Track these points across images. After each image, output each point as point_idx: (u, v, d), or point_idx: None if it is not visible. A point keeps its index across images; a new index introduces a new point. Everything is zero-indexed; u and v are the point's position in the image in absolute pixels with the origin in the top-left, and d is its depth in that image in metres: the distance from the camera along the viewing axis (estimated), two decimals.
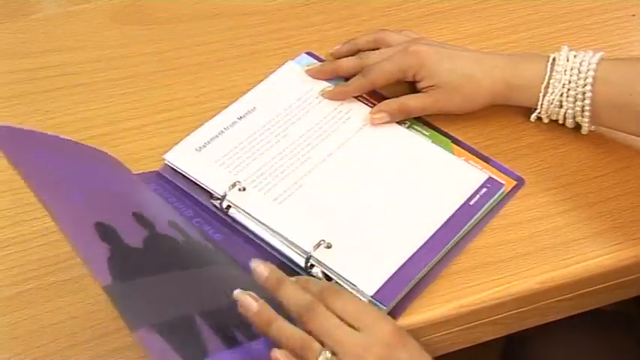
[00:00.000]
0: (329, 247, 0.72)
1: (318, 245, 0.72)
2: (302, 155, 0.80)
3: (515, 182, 0.80)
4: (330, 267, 0.72)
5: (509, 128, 0.85)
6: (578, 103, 0.80)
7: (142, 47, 0.93)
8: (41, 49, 0.92)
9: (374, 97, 0.86)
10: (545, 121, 0.83)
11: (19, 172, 0.60)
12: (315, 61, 0.90)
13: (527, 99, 0.82)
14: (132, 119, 0.85)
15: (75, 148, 0.71)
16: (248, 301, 0.64)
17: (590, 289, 0.77)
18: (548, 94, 0.81)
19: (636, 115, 0.78)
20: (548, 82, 0.80)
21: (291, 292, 0.64)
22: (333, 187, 0.78)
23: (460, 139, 0.83)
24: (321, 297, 0.64)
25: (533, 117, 0.83)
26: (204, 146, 0.80)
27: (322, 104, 0.85)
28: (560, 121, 0.83)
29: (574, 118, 0.81)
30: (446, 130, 0.84)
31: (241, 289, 0.64)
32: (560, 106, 0.81)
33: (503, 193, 0.78)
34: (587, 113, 0.80)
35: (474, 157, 0.81)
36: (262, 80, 0.88)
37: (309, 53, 0.91)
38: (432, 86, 0.82)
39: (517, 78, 0.81)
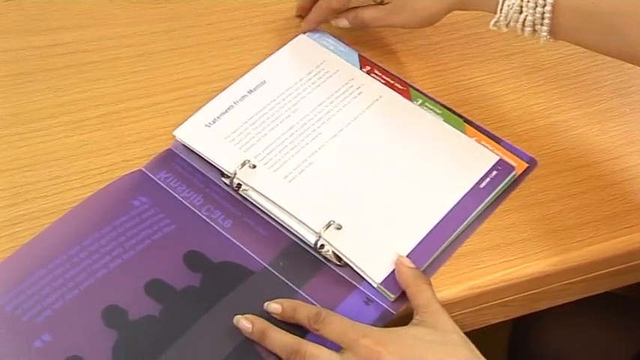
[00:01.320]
0: (339, 228, 0.72)
1: (328, 226, 0.72)
2: (312, 131, 0.80)
3: (527, 164, 0.79)
4: (340, 249, 0.71)
5: (522, 110, 0.85)
6: (539, 9, 0.75)
7: (153, 25, 0.92)
8: (53, 26, 0.92)
9: (386, 74, 0.85)
10: (504, 30, 0.78)
11: None
12: (327, 34, 0.89)
13: (486, 3, 0.78)
14: (143, 97, 0.85)
15: (49, 238, 0.72)
16: (243, 324, 0.67)
17: (602, 272, 0.77)
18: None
19: (599, 26, 0.73)
20: None
21: (276, 339, 0.66)
22: (344, 165, 0.77)
23: (472, 119, 0.82)
24: (309, 324, 0.66)
25: (492, 24, 0.78)
26: (214, 122, 0.80)
27: (333, 78, 0.84)
28: (519, 31, 0.77)
29: (533, 25, 0.76)
30: (458, 111, 0.83)
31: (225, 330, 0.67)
32: (520, 12, 0.76)
33: (514, 176, 0.78)
34: (546, 21, 0.74)
35: (486, 138, 0.80)
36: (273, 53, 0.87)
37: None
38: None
39: None
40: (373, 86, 0.84)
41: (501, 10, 0.77)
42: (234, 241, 0.73)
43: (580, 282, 0.77)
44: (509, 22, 0.77)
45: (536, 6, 0.75)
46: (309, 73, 0.85)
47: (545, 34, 0.76)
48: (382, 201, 0.75)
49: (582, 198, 0.78)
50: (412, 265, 0.70)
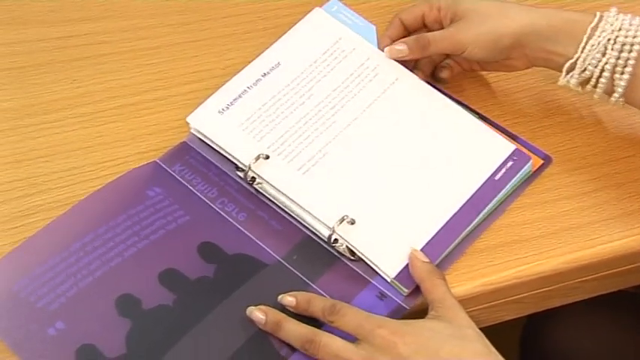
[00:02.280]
0: (352, 222, 0.72)
1: (342, 221, 0.72)
2: (327, 119, 0.78)
3: (542, 161, 0.79)
4: (353, 244, 0.71)
5: (538, 107, 0.84)
6: (624, 55, 0.71)
7: (169, 18, 0.92)
8: (69, 17, 0.92)
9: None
10: (574, 82, 0.75)
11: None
12: (345, 7, 0.87)
13: (565, 39, 0.73)
14: (158, 90, 0.85)
15: (64, 227, 0.73)
16: (256, 316, 0.67)
17: (615, 270, 0.77)
18: (595, 37, 0.72)
19: None
20: (597, 25, 0.73)
21: (290, 329, 0.66)
22: (358, 157, 0.77)
23: (487, 115, 0.82)
24: (324, 316, 0.66)
25: (567, 66, 0.74)
26: (227, 108, 0.79)
27: (348, 58, 0.82)
28: (593, 82, 0.75)
29: (612, 76, 0.73)
30: (473, 107, 0.83)
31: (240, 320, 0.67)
32: (604, 54, 0.72)
33: (529, 170, 0.77)
34: (629, 69, 0.72)
35: (501, 134, 0.80)
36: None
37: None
38: (454, 17, 0.78)
39: (560, 13, 0.74)
40: (390, 66, 0.82)
41: (583, 49, 0.73)
42: (248, 234, 0.73)
43: (593, 280, 0.77)
44: (585, 70, 0.74)
45: (622, 51, 0.72)
46: (325, 53, 0.83)
47: (623, 84, 0.73)
48: (396, 194, 0.75)
49: (597, 196, 0.78)
50: (426, 260, 0.70)
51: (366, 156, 0.77)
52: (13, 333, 0.66)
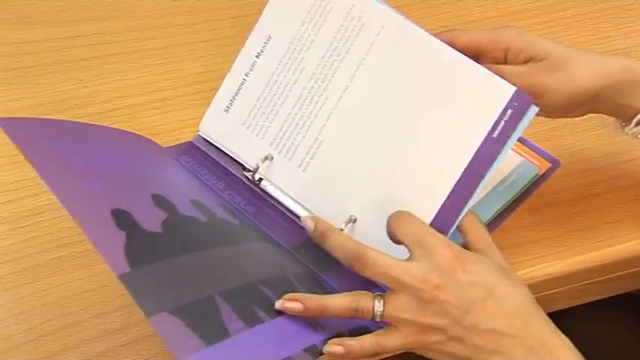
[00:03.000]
0: (354, 221, 0.71)
1: (348, 222, 0.71)
2: (319, 97, 0.73)
3: (550, 164, 0.79)
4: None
5: None
6: None
7: (176, 18, 0.92)
8: (77, 17, 0.92)
9: None
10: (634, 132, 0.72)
11: (33, 165, 0.61)
12: None
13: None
14: (166, 90, 0.85)
15: (101, 133, 0.72)
16: (305, 223, 0.66)
17: (621, 272, 0.77)
18: None
19: None
20: None
21: (337, 243, 0.64)
22: (352, 141, 0.72)
23: None
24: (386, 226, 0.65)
25: (637, 119, 0.71)
26: (231, 104, 0.77)
27: (333, 11, 0.73)
28: None
29: None
30: None
31: (268, 264, 0.65)
32: None
33: (537, 172, 0.77)
34: None
35: None
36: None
37: None
38: (533, 57, 0.70)
39: (633, 71, 0.70)
40: (374, 11, 0.72)
41: None
42: (257, 223, 0.73)
43: (600, 283, 0.76)
44: None
45: None
46: (310, 11, 0.74)
47: None
48: (393, 179, 0.70)
49: (604, 198, 0.77)
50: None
51: (360, 137, 0.72)
52: (54, 179, 0.62)
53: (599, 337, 0.90)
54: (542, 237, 0.75)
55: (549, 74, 0.70)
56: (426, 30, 0.69)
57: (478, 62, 0.69)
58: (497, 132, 0.66)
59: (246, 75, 0.77)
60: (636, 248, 0.74)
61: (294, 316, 0.62)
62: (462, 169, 0.67)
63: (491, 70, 0.68)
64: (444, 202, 0.67)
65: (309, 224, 0.66)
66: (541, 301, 0.74)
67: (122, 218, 0.62)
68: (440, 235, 0.63)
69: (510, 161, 0.77)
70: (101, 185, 0.64)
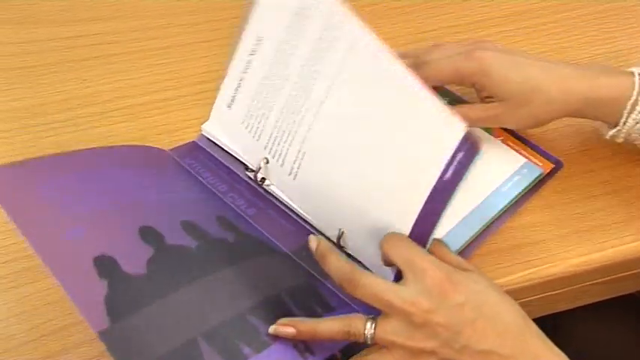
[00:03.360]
0: (342, 233, 0.71)
1: (342, 234, 0.71)
2: (301, 106, 0.71)
3: (553, 165, 0.79)
4: (352, 253, 0.71)
5: None
6: None
7: (179, 18, 0.92)
8: (79, 17, 0.92)
9: None
10: (620, 140, 0.76)
11: (13, 221, 0.61)
12: None
13: (605, 115, 0.75)
14: (168, 90, 0.85)
15: (90, 159, 0.71)
16: (284, 332, 0.63)
17: (624, 273, 0.76)
18: (635, 112, 0.73)
19: None
20: (637, 99, 0.73)
21: (333, 264, 0.64)
22: (330, 155, 0.70)
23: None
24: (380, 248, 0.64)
25: (610, 134, 0.76)
26: (232, 101, 0.77)
27: (313, 19, 0.69)
28: (638, 143, 0.76)
29: None
30: None
31: (261, 286, 0.65)
32: None
33: (540, 174, 0.77)
34: None
35: (512, 138, 0.80)
36: None
37: None
38: (496, 96, 0.75)
39: (597, 92, 0.74)
40: (349, 25, 0.67)
41: (624, 124, 0.74)
42: (258, 227, 0.73)
43: (602, 283, 0.76)
44: (629, 135, 0.75)
45: None
46: (295, 15, 0.71)
47: None
48: (368, 197, 0.69)
49: (607, 199, 0.77)
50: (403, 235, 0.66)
51: (335, 153, 0.70)
52: (32, 228, 0.63)
53: (600, 338, 0.90)
54: (545, 238, 0.74)
55: (512, 113, 0.75)
56: (395, 51, 0.65)
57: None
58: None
59: (243, 72, 0.76)
60: (639, 249, 0.74)
61: (281, 347, 0.62)
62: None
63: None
64: (416, 220, 0.65)
65: (312, 244, 0.66)
66: (543, 302, 0.75)
67: (104, 266, 0.62)
68: (430, 256, 0.63)
69: (514, 162, 0.77)
70: (84, 230, 0.64)
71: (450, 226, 0.72)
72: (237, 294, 0.65)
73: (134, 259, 0.63)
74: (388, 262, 0.65)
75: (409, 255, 0.62)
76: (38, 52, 0.88)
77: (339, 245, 0.71)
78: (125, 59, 0.88)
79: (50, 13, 0.93)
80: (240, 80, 0.76)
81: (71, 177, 0.68)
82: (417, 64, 0.77)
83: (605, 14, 0.94)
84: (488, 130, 0.80)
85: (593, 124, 0.82)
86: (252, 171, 0.76)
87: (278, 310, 0.64)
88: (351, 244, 0.71)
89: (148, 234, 0.67)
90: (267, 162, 0.75)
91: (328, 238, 0.72)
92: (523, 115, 0.75)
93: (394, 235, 0.65)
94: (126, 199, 0.69)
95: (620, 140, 0.76)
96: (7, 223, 0.74)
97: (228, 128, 0.78)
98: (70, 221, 0.64)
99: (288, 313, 0.64)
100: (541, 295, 0.74)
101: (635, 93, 0.73)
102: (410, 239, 0.64)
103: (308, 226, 0.73)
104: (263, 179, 0.75)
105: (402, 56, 0.74)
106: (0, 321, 0.67)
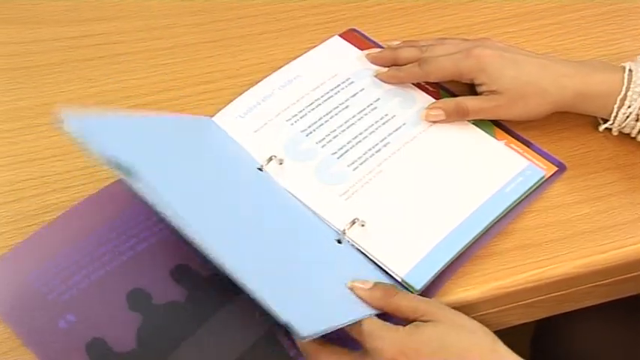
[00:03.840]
0: (363, 225, 0.72)
1: (353, 223, 0.72)
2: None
3: (556, 168, 0.79)
4: (363, 247, 0.72)
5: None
6: None
7: (183, 18, 0.92)
8: (84, 17, 0.92)
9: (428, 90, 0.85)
10: (615, 133, 0.80)
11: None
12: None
13: (598, 109, 0.78)
14: (173, 90, 0.85)
15: (81, 220, 0.72)
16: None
17: (628, 275, 0.77)
18: (625, 107, 0.76)
19: None
20: (626, 94, 0.76)
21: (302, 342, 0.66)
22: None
23: (502, 121, 0.82)
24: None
25: (602, 128, 0.80)
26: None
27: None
28: (633, 135, 0.79)
29: None
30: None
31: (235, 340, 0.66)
32: (637, 119, 0.77)
33: (543, 176, 0.77)
34: None
35: (515, 141, 0.80)
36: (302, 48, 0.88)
37: (354, 30, 0.90)
38: (493, 91, 0.79)
39: (589, 87, 0.77)
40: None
41: (615, 117, 0.77)
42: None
43: (606, 285, 0.76)
44: (622, 128, 0.78)
45: None
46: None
47: None
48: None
49: (611, 200, 0.77)
50: (368, 287, 0.68)
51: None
52: (24, 324, 0.66)
53: (603, 339, 0.90)
54: (549, 239, 0.74)
55: (508, 107, 0.79)
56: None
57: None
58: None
59: (264, 98, 0.82)
60: None
61: None
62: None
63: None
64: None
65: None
66: (548, 303, 0.75)
67: (95, 350, 0.64)
68: (386, 331, 0.63)
69: (516, 164, 0.78)
70: (75, 317, 0.67)
71: (452, 226, 0.73)
72: (232, 338, 0.67)
73: (123, 335, 0.66)
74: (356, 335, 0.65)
75: (369, 329, 0.64)
76: (42, 51, 0.88)
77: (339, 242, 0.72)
78: (130, 59, 0.88)
79: (54, 13, 0.92)
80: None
81: (62, 252, 0.70)
82: (419, 59, 0.82)
83: (609, 15, 0.94)
84: (490, 132, 0.80)
85: (597, 125, 0.82)
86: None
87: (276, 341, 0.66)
88: (365, 234, 0.72)
89: (135, 299, 0.68)
90: (281, 162, 0.77)
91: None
92: (518, 108, 0.79)
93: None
94: (115, 261, 0.70)
95: (615, 133, 0.80)
96: (12, 222, 0.74)
97: (237, 129, 0.79)
98: (62, 307, 0.67)
99: None
100: (546, 296, 0.74)
101: (624, 88, 0.76)
102: (374, 319, 0.65)
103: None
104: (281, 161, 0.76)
105: (407, 45, 0.84)
106: None
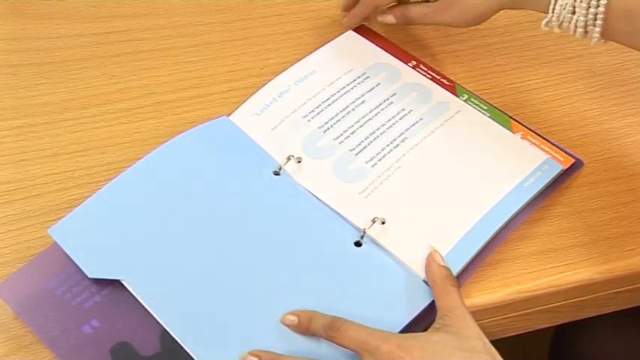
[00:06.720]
0: (383, 222, 0.72)
1: (374, 222, 0.72)
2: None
3: (573, 160, 0.78)
4: (384, 246, 0.71)
5: (576, 115, 0.84)
6: (592, 10, 0.74)
7: (209, 16, 0.93)
8: (109, 14, 0.93)
9: (432, 70, 0.85)
10: (556, 30, 0.77)
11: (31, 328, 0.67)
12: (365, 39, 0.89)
13: (537, 3, 0.77)
14: (196, 87, 0.85)
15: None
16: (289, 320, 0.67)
17: None
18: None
19: None
20: None
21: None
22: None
23: (523, 122, 0.82)
24: (326, 333, 0.65)
25: (543, 24, 0.77)
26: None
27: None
28: (571, 31, 0.77)
29: (585, 27, 0.75)
30: (511, 115, 0.82)
31: None
32: (573, 12, 0.75)
33: (561, 172, 0.77)
34: (599, 22, 0.74)
35: (532, 133, 0.79)
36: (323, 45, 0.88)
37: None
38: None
39: None
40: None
41: (553, 10, 0.76)
42: None
43: (628, 291, 0.76)
44: (561, 23, 0.76)
45: (589, 7, 0.74)
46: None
47: (596, 35, 0.75)
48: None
49: (634, 206, 0.77)
50: (443, 263, 0.69)
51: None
52: (49, 330, 0.66)
53: (621, 347, 0.89)
54: (571, 244, 0.74)
55: (446, 12, 0.83)
56: None
57: None
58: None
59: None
60: None
61: None
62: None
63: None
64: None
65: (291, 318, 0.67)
66: (570, 308, 0.75)
67: (121, 354, 0.65)
68: (379, 332, 0.64)
69: (535, 158, 0.77)
70: (97, 321, 0.67)
71: (473, 221, 0.72)
72: None
73: (148, 339, 0.66)
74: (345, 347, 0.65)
75: (360, 337, 0.64)
76: (68, 47, 0.89)
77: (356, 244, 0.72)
78: (154, 56, 0.88)
79: (80, 9, 0.93)
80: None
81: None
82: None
83: None
84: (506, 125, 0.80)
85: (621, 131, 0.82)
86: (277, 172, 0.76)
87: None
88: (386, 232, 0.72)
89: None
90: (299, 161, 0.76)
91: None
92: (457, 8, 0.82)
93: (337, 323, 0.65)
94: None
95: (556, 31, 0.77)
96: (35, 217, 0.75)
97: (254, 128, 0.79)
98: (85, 313, 0.67)
99: None
100: (568, 301, 0.74)
101: None
102: (355, 323, 0.65)
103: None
104: (299, 159, 0.76)
105: None
106: None
